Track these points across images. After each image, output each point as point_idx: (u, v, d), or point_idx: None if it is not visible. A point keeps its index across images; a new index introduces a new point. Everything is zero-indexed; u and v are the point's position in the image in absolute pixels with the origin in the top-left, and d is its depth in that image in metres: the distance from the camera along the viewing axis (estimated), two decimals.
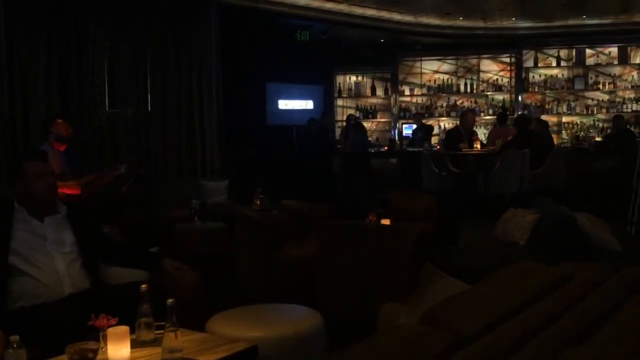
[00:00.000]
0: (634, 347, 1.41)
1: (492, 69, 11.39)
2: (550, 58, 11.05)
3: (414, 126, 10.77)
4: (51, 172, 2.83)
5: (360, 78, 11.81)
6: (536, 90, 11.06)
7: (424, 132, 9.93)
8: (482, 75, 11.40)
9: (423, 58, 11.54)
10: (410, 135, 10.48)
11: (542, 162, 7.47)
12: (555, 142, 9.54)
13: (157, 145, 7.38)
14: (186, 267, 2.97)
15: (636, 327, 1.55)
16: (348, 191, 8.68)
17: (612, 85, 10.72)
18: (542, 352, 1.45)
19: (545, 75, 11.03)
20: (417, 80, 11.59)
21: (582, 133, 10.61)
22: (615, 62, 10.77)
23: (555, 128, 10.55)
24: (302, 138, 9.32)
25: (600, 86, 10.76)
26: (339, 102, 11.79)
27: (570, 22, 10.36)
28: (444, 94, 11.43)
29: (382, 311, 2.66)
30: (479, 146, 8.06)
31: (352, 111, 11.69)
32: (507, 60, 11.25)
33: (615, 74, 10.76)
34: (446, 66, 11.53)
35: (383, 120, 11.77)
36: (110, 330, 2.09)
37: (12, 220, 2.70)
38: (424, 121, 10.73)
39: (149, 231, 5.22)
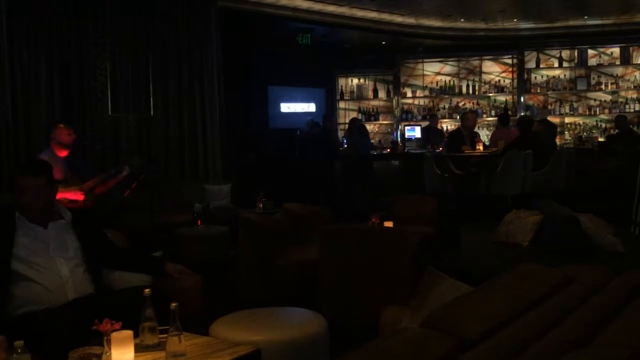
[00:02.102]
0: (637, 349, 1.41)
1: (494, 70, 11.39)
2: (552, 59, 11.04)
3: (418, 128, 10.76)
4: (44, 187, 2.75)
5: (362, 80, 11.81)
6: (538, 91, 11.05)
7: (433, 135, 9.81)
8: (484, 76, 11.40)
9: (425, 60, 11.54)
10: (417, 136, 10.37)
11: (544, 163, 7.45)
12: (558, 143, 9.53)
13: (160, 149, 7.39)
14: (189, 271, 2.97)
15: (638, 330, 1.55)
16: (350, 194, 8.68)
17: (614, 86, 10.71)
18: (545, 355, 1.45)
19: (547, 76, 11.02)
20: (419, 82, 11.59)
21: (584, 134, 10.60)
22: (618, 62, 10.75)
23: (558, 129, 10.53)
24: (303, 140, 9.31)
25: (603, 86, 10.74)
26: (341, 104, 11.80)
27: (572, 22, 10.35)
28: (446, 96, 11.43)
29: (384, 314, 2.66)
30: (481, 148, 8.05)
31: (354, 114, 11.69)
32: (509, 61, 11.25)
33: (617, 74, 10.75)
34: (448, 68, 11.53)
35: (385, 122, 11.77)
36: (114, 334, 2.09)
37: (14, 226, 2.71)
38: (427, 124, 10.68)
39: (151, 236, 5.23)
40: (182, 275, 2.93)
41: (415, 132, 10.68)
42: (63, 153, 5.07)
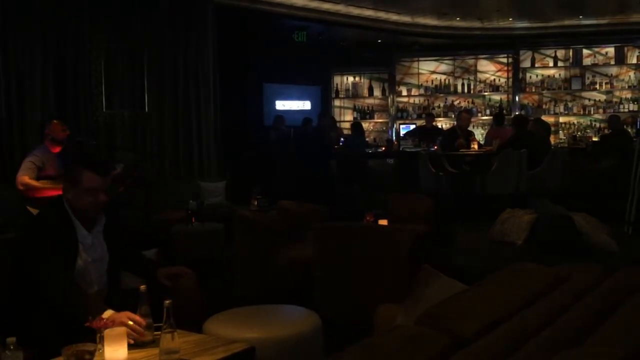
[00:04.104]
0: (631, 348, 1.41)
1: (489, 69, 11.41)
2: (547, 58, 11.07)
3: (413, 126, 10.76)
4: (106, 190, 2.63)
5: (357, 79, 11.81)
6: (533, 90, 11.07)
7: (426, 134, 9.78)
8: (479, 75, 11.41)
9: (420, 58, 11.55)
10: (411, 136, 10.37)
11: (539, 162, 7.47)
12: (553, 143, 9.56)
13: (154, 146, 7.37)
14: (183, 270, 2.86)
15: (632, 328, 1.56)
16: (345, 192, 8.67)
17: (609, 86, 10.74)
18: (539, 354, 1.45)
19: (542, 75, 11.05)
20: (414, 81, 11.60)
21: (579, 133, 10.63)
22: (612, 62, 10.79)
23: (552, 128, 10.55)
24: (298, 139, 9.29)
25: (597, 86, 10.78)
26: (337, 102, 11.79)
27: (567, 22, 10.38)
28: (442, 95, 11.44)
29: (379, 312, 2.66)
30: (476, 147, 8.07)
31: (349, 112, 11.71)
32: (504, 60, 11.27)
33: (612, 74, 10.78)
34: (443, 67, 11.54)
35: (380, 120, 11.78)
36: (107, 331, 2.08)
37: (75, 230, 2.57)
38: (421, 123, 10.67)
39: (145, 233, 5.21)
40: (175, 278, 2.81)
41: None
42: (56, 149, 5.06)
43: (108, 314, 2.24)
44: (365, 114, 11.69)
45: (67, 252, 2.51)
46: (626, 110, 10.55)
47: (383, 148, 10.35)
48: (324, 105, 11.15)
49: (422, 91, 11.54)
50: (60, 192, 3.93)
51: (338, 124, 11.56)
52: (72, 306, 2.32)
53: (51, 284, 2.37)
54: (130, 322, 2.18)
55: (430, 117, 10.35)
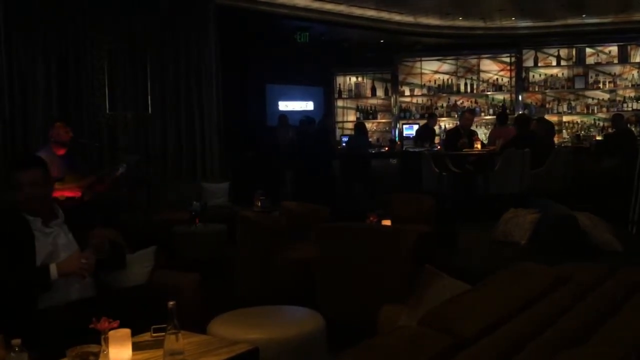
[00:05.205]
0: (631, 348, 1.41)
1: (492, 68, 11.39)
2: (550, 57, 11.05)
3: (416, 126, 10.77)
4: (41, 180, 2.73)
5: (360, 79, 11.81)
6: (536, 89, 11.05)
7: (427, 134, 9.81)
8: (482, 75, 11.39)
9: (423, 58, 11.54)
10: (414, 135, 10.39)
11: (542, 162, 7.46)
12: (556, 142, 9.53)
13: (157, 147, 7.38)
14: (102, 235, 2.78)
15: (635, 328, 1.56)
16: (348, 192, 8.67)
17: (612, 84, 10.71)
18: (541, 354, 1.45)
19: (546, 74, 11.03)
20: (417, 81, 11.59)
21: (582, 132, 10.60)
22: (615, 61, 10.76)
23: (556, 127, 10.53)
24: (300, 139, 9.30)
25: (601, 85, 10.75)
26: (339, 103, 11.79)
27: (570, 21, 10.36)
28: (444, 94, 11.43)
29: (382, 313, 2.66)
30: (479, 146, 8.06)
31: (352, 112, 11.71)
32: (507, 60, 11.25)
33: (615, 73, 10.75)
34: (446, 66, 11.53)
35: (383, 120, 11.78)
36: (111, 333, 2.09)
37: (29, 226, 2.67)
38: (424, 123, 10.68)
39: (148, 234, 5.22)
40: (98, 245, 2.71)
41: (413, 131, 10.69)
42: (61, 151, 5.08)
43: (54, 268, 2.52)
44: (368, 114, 11.68)
45: (22, 240, 2.64)
46: (630, 109, 10.52)
47: (386, 148, 10.36)
48: (327, 106, 11.16)
49: (425, 91, 11.53)
50: (64, 194, 3.94)
51: (340, 125, 11.61)
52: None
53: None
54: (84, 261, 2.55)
55: (432, 117, 10.38)
